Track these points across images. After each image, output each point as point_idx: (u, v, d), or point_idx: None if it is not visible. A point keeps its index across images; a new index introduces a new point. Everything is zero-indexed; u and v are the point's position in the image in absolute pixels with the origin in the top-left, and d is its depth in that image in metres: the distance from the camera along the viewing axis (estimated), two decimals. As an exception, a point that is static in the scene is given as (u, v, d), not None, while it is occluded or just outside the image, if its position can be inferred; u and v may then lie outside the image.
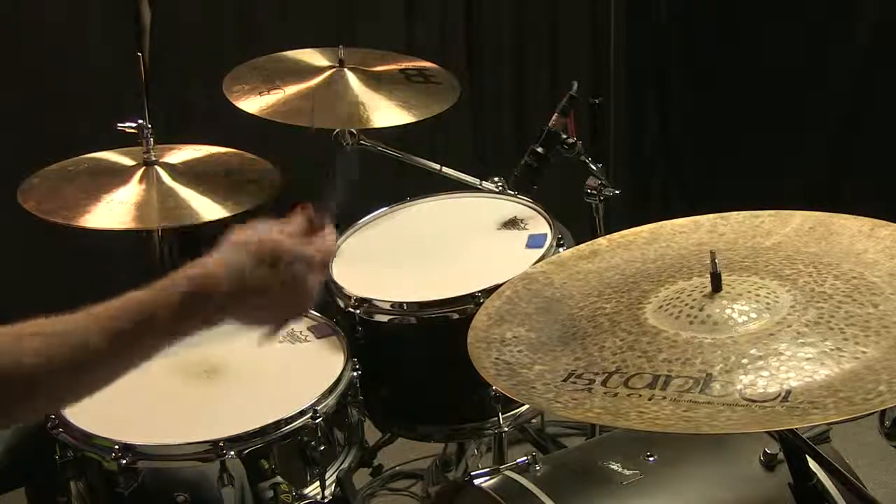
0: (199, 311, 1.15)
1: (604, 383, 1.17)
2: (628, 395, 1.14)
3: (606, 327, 1.29)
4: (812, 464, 1.38)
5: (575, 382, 1.19)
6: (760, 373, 1.13)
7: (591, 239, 1.58)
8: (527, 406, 2.09)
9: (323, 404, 1.85)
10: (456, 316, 2.01)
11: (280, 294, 1.20)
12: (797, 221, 1.44)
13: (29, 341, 1.09)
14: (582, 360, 1.23)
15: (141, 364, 1.15)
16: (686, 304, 1.27)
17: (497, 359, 1.28)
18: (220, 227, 2.11)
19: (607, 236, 1.54)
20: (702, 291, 1.28)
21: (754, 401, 1.09)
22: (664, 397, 1.12)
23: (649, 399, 1.13)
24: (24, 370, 1.07)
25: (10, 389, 1.08)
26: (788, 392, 1.09)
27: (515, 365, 1.26)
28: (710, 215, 1.51)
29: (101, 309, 1.12)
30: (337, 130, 2.33)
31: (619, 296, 1.36)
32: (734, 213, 1.49)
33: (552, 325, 1.34)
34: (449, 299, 2.02)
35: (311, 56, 2.51)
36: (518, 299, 1.42)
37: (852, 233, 1.38)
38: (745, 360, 1.15)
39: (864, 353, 1.13)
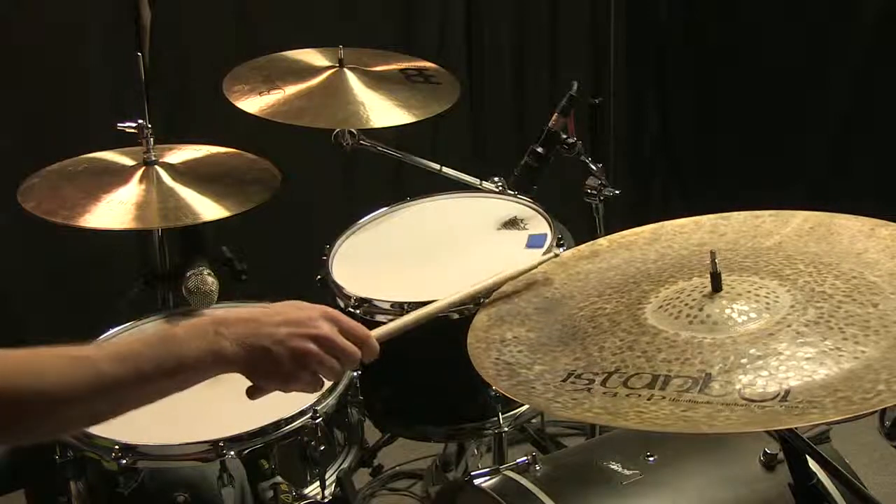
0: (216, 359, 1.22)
1: (603, 383, 1.17)
2: (627, 395, 1.14)
3: (606, 327, 1.29)
4: (812, 464, 1.38)
5: (574, 382, 1.19)
6: (760, 372, 1.13)
7: (591, 239, 1.58)
8: (527, 406, 2.09)
9: (323, 404, 1.85)
10: (456, 316, 2.00)
11: (294, 372, 1.23)
12: (797, 221, 1.44)
13: (52, 362, 1.09)
14: (581, 360, 1.23)
15: (156, 399, 1.18)
16: (686, 304, 1.27)
17: (497, 359, 1.28)
18: (220, 227, 2.12)
19: (608, 237, 1.54)
20: (702, 291, 1.28)
21: (753, 400, 1.09)
22: (663, 397, 1.12)
23: (648, 399, 1.13)
24: (47, 390, 1.07)
25: (32, 409, 1.08)
26: (787, 392, 1.09)
27: (515, 365, 1.26)
28: (711, 215, 1.51)
29: (132, 342, 1.16)
30: (337, 130, 2.33)
31: (620, 296, 1.36)
32: (735, 214, 1.49)
33: (552, 325, 1.34)
34: (449, 299, 2.02)
35: (311, 56, 2.51)
36: (518, 299, 1.42)
37: (852, 233, 1.37)
38: (744, 360, 1.15)
39: (863, 352, 1.12)
